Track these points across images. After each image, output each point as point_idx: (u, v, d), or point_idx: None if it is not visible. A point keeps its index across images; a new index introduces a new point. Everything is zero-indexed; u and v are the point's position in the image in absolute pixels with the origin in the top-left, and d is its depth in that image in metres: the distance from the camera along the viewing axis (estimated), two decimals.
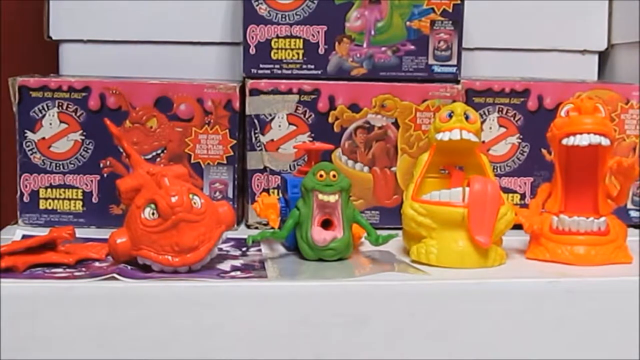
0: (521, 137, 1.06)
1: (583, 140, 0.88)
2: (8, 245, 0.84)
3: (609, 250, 0.90)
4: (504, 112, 1.05)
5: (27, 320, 0.76)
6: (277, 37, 1.03)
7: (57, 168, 1.02)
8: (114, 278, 0.80)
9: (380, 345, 0.79)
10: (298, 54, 1.04)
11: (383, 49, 1.04)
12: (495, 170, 0.98)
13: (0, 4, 1.21)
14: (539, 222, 0.91)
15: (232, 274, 0.83)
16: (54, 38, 1.16)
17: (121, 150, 0.95)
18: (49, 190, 1.02)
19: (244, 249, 0.93)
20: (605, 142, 0.88)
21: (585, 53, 1.21)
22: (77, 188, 1.02)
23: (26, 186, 1.02)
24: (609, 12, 1.20)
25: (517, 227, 0.92)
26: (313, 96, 1.03)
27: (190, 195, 0.82)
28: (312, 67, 1.04)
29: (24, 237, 0.94)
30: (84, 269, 0.83)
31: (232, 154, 1.02)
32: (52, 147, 1.01)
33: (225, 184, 1.03)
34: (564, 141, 0.89)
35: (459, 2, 1.04)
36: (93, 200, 1.02)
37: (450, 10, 1.03)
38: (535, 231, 0.91)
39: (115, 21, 1.15)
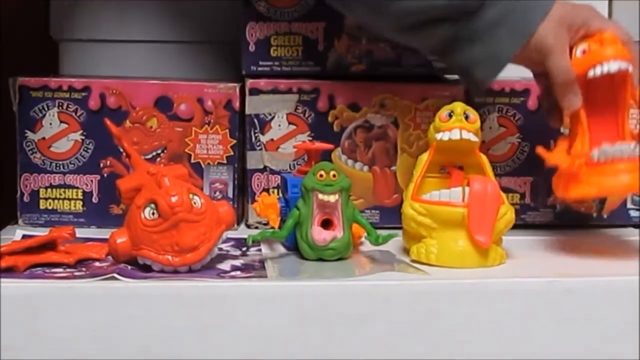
0: (521, 136, 1.05)
1: (612, 67, 0.88)
2: (8, 245, 0.84)
3: None
4: (504, 111, 1.05)
5: (27, 320, 0.76)
6: (276, 34, 1.03)
7: (57, 168, 1.02)
8: (114, 278, 0.80)
9: (380, 345, 0.79)
10: (297, 50, 1.04)
11: (382, 45, 1.04)
12: (495, 170, 0.98)
13: (0, 4, 1.21)
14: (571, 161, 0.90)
15: (232, 273, 0.83)
16: (54, 38, 1.16)
17: (121, 150, 0.95)
18: (49, 190, 1.02)
19: (244, 248, 0.93)
20: (631, 68, 0.88)
21: None
22: (77, 188, 1.02)
23: (26, 186, 1.02)
24: (609, 12, 1.20)
25: (517, 227, 0.92)
26: (313, 95, 1.03)
27: (190, 195, 0.82)
28: (312, 63, 1.04)
29: (24, 237, 0.94)
30: (84, 269, 0.83)
31: (232, 153, 1.02)
32: (52, 147, 1.01)
33: (225, 184, 1.03)
34: (591, 73, 0.89)
35: None
36: (93, 200, 1.02)
37: None
38: (577, 168, 0.89)
39: (115, 21, 1.15)
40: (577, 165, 0.89)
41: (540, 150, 0.92)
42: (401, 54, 1.05)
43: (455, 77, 1.05)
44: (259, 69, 1.04)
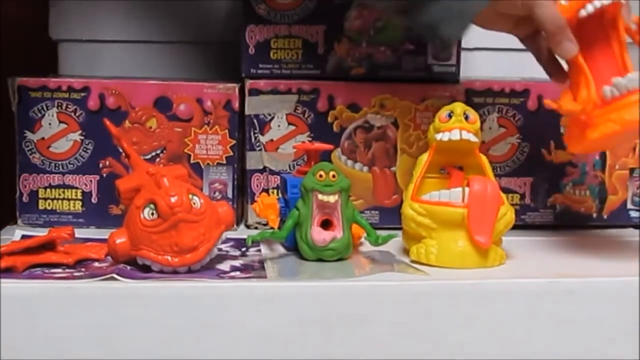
0: (521, 137, 1.05)
1: None
2: (7, 246, 0.84)
3: None
4: (504, 112, 1.05)
5: (27, 320, 0.76)
6: (276, 36, 1.03)
7: (57, 168, 1.02)
8: (113, 278, 0.80)
9: (380, 345, 0.79)
10: (297, 53, 1.04)
11: (382, 48, 1.04)
12: (495, 170, 0.98)
13: (0, 4, 1.21)
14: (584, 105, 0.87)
15: (232, 274, 0.83)
16: (53, 38, 1.16)
17: (120, 150, 0.95)
18: (48, 190, 1.02)
19: (243, 249, 0.93)
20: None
21: None
22: (77, 188, 1.02)
23: (25, 186, 1.02)
24: None
25: (517, 227, 0.92)
26: (312, 96, 1.03)
27: (190, 196, 0.82)
28: (311, 66, 1.04)
29: (23, 237, 0.94)
30: (83, 269, 0.83)
31: (231, 154, 1.02)
32: (51, 147, 1.01)
33: (225, 184, 1.03)
34: (583, 12, 0.87)
35: None
36: (92, 200, 1.02)
37: None
38: (590, 111, 0.86)
39: (114, 21, 1.15)
40: (592, 107, 0.86)
41: (548, 101, 0.91)
42: (401, 57, 1.04)
43: (456, 77, 1.05)
44: (259, 71, 1.04)
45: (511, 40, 0.97)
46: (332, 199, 0.87)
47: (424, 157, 0.93)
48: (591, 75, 0.88)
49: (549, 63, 0.94)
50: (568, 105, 0.89)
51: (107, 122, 0.95)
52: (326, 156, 1.01)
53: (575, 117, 0.89)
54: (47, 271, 0.82)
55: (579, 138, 0.89)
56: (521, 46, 0.97)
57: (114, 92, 1.01)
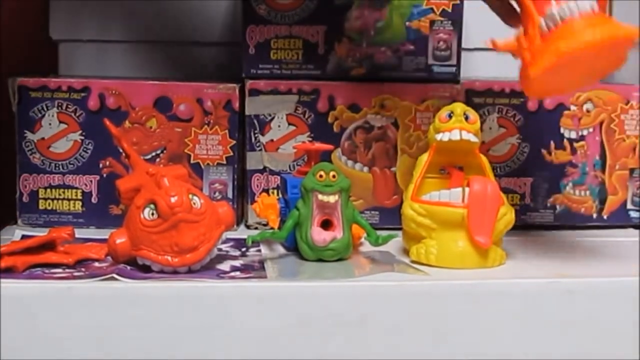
0: (521, 137, 1.05)
1: None
2: (7, 246, 0.84)
3: (613, 28, 0.81)
4: (504, 112, 1.05)
5: (27, 320, 0.76)
6: (277, 37, 1.03)
7: (57, 168, 1.02)
8: (113, 278, 0.80)
9: (380, 345, 0.79)
10: (297, 54, 1.04)
11: (383, 49, 1.04)
12: (495, 170, 0.98)
13: (0, 4, 1.21)
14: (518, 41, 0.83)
15: (232, 274, 0.83)
16: (53, 38, 1.16)
17: (121, 150, 0.95)
18: (48, 190, 1.02)
19: (243, 249, 0.93)
20: None
21: None
22: (77, 188, 1.02)
23: (25, 186, 1.02)
24: (609, 12, 1.20)
25: (517, 227, 0.92)
26: (312, 96, 1.03)
27: (190, 196, 0.82)
28: (312, 67, 1.04)
29: (23, 237, 0.94)
30: (83, 269, 0.83)
31: (231, 154, 1.02)
32: (51, 147, 1.01)
33: (225, 184, 1.03)
34: None
35: (458, 2, 1.04)
36: (92, 200, 1.02)
37: (450, 10, 1.04)
38: (527, 46, 0.82)
39: (115, 21, 1.15)
40: (525, 42, 0.82)
41: (491, 40, 0.85)
42: (401, 58, 1.04)
43: (456, 77, 1.05)
44: (259, 72, 1.04)
45: None
46: (332, 199, 0.87)
47: (424, 158, 0.93)
48: (539, 11, 0.83)
49: (500, 8, 0.91)
50: (504, 45, 0.84)
51: (107, 122, 0.95)
52: (326, 156, 1.02)
53: (524, 59, 0.84)
54: (47, 271, 0.82)
55: (527, 79, 0.84)
56: None
57: (114, 92, 1.01)
